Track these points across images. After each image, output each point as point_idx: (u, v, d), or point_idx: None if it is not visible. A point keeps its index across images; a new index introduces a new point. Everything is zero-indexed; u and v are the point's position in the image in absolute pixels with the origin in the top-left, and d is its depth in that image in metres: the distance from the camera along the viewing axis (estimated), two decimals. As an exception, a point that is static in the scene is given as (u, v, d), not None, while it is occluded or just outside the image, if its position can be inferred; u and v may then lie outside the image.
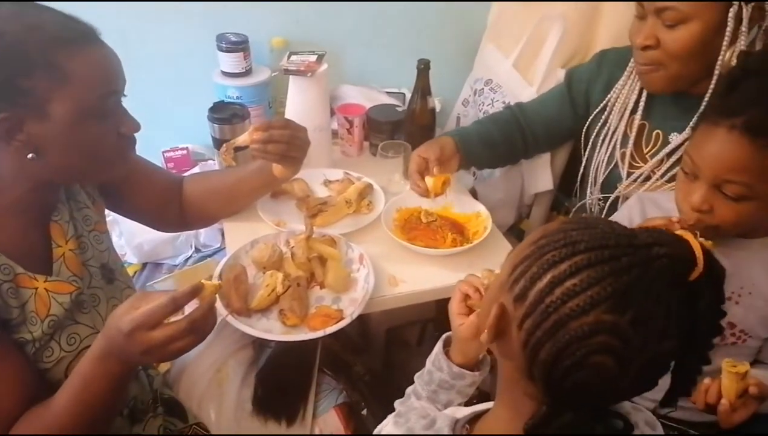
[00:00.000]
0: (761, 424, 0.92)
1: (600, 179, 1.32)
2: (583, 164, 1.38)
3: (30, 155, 0.78)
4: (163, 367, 1.21)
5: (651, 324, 0.52)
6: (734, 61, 1.03)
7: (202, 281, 0.77)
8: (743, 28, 1.03)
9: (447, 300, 0.86)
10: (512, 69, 1.55)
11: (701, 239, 0.55)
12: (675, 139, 1.17)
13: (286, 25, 1.69)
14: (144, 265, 1.67)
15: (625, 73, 1.24)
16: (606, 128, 1.29)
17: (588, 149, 1.35)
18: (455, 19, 1.83)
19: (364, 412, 1.26)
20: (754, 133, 0.81)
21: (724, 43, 1.04)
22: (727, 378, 0.82)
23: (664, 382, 0.60)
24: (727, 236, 0.94)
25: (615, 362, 0.52)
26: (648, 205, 1.11)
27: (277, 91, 1.70)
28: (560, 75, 1.45)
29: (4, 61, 0.73)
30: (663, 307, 0.52)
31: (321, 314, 1.07)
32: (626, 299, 0.51)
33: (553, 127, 1.41)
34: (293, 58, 1.39)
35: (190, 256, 1.67)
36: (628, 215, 1.12)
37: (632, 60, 1.19)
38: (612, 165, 1.29)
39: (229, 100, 1.57)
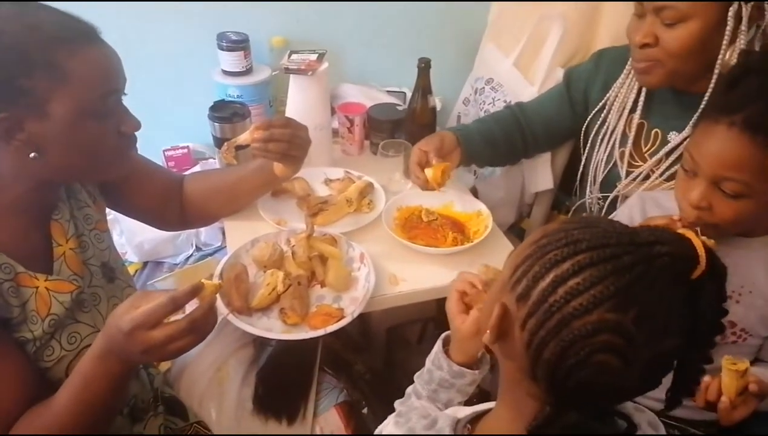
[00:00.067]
0: (761, 423, 0.92)
1: (599, 178, 1.32)
2: (582, 163, 1.38)
3: (31, 155, 0.78)
4: (164, 366, 1.22)
5: (654, 322, 0.52)
6: (734, 60, 1.03)
7: (203, 280, 0.77)
8: (743, 27, 1.03)
9: (447, 299, 0.86)
10: (513, 68, 1.55)
11: (703, 238, 0.55)
12: (674, 138, 1.17)
13: (286, 24, 1.69)
14: (145, 263, 1.67)
15: (624, 72, 1.24)
16: (605, 127, 1.29)
17: (587, 148, 1.35)
18: (455, 19, 1.83)
19: (365, 411, 1.27)
20: (754, 130, 0.81)
21: (724, 42, 1.04)
22: (727, 376, 0.82)
23: (667, 381, 0.60)
24: (727, 235, 0.94)
25: (619, 361, 0.52)
26: (649, 204, 1.11)
27: (277, 90, 1.70)
28: (561, 74, 1.44)
29: (4, 61, 0.73)
30: (665, 305, 0.52)
31: (322, 313, 1.07)
32: (629, 297, 0.51)
33: (552, 127, 1.41)
34: (294, 56, 1.39)
35: (191, 254, 1.68)
36: (628, 214, 1.12)
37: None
38: (611, 164, 1.29)
39: (229, 99, 1.57)
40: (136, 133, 0.89)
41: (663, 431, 0.67)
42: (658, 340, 0.52)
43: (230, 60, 1.58)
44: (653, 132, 1.22)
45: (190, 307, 0.76)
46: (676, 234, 0.55)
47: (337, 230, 1.24)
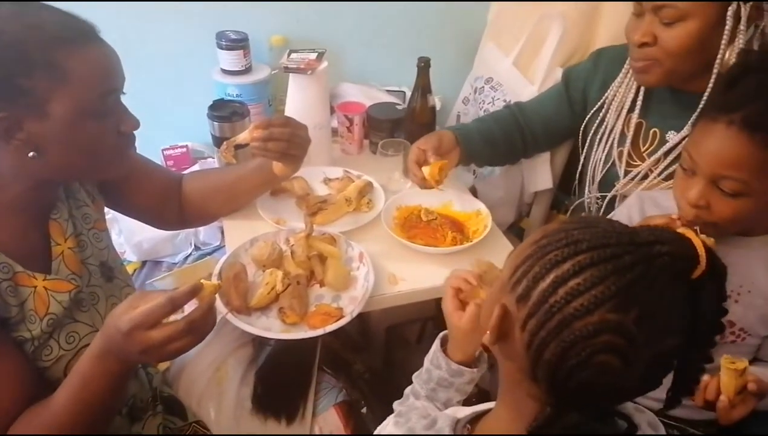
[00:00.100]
0: (760, 422, 0.92)
1: (598, 178, 1.32)
2: (581, 163, 1.38)
3: (30, 154, 0.78)
4: (163, 365, 1.21)
5: (655, 322, 0.52)
6: (733, 60, 1.03)
7: (202, 280, 0.77)
8: (741, 27, 1.03)
9: (447, 298, 0.86)
10: (512, 67, 1.55)
11: (703, 237, 0.55)
12: (672, 137, 1.17)
13: (285, 23, 1.69)
14: (143, 263, 1.67)
15: (622, 71, 1.24)
16: (603, 127, 1.29)
17: (586, 148, 1.35)
18: (455, 18, 1.83)
19: (364, 410, 1.26)
20: (753, 128, 0.81)
21: (723, 41, 1.04)
22: (725, 375, 0.82)
23: (667, 381, 0.60)
24: (726, 234, 0.94)
25: (620, 361, 0.52)
26: (647, 203, 1.11)
27: (277, 89, 1.70)
28: (560, 74, 1.45)
29: (3, 61, 0.73)
30: (666, 305, 0.52)
31: (321, 312, 1.07)
32: (630, 297, 0.51)
33: (551, 127, 1.41)
34: (293, 56, 1.39)
35: (190, 254, 1.68)
36: (627, 214, 1.12)
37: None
38: (609, 163, 1.29)
39: (228, 98, 1.57)
40: (135, 132, 0.89)
41: (663, 432, 0.67)
42: (658, 340, 0.52)
43: (229, 59, 1.58)
44: (651, 131, 1.22)
45: (190, 307, 0.76)
46: (676, 234, 0.55)
47: (336, 229, 1.24)
